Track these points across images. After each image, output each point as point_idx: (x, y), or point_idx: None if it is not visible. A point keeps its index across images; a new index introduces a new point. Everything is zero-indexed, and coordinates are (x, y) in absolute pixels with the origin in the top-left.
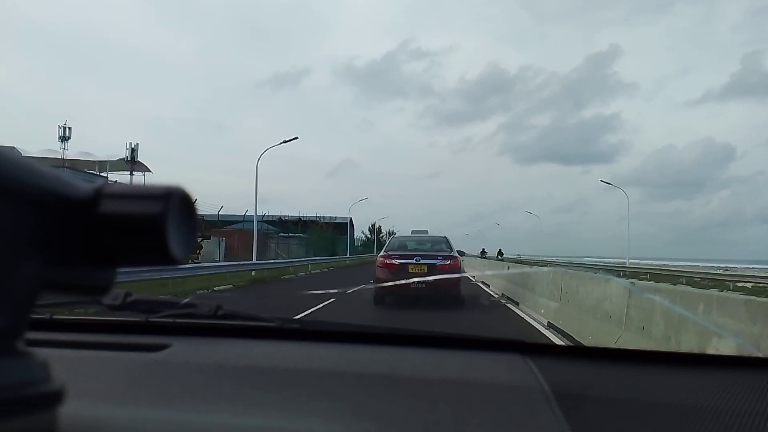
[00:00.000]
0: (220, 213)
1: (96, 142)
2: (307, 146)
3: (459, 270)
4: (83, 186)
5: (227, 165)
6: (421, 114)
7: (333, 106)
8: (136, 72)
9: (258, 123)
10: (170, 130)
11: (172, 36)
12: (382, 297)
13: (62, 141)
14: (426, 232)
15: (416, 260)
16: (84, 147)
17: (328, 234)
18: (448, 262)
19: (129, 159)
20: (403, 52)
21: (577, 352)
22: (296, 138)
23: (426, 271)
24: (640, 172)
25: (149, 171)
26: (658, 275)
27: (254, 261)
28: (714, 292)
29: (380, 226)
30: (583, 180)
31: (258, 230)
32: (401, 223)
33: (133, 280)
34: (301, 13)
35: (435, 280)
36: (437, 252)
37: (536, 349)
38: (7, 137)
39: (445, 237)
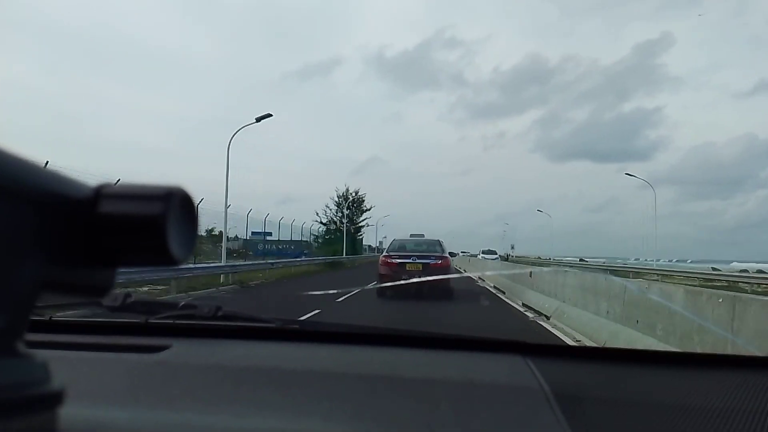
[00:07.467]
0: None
1: (120, 144)
2: (334, 143)
3: (449, 268)
4: (83, 186)
5: (252, 164)
6: (452, 106)
7: (361, 100)
8: (159, 72)
9: (284, 120)
10: (196, 131)
11: (196, 34)
12: (383, 290)
13: None
14: (422, 235)
15: (413, 260)
16: (104, 148)
17: None
18: (440, 262)
19: None
20: (437, 41)
21: (577, 352)
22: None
23: (421, 269)
24: (677, 170)
25: None
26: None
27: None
28: None
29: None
30: (616, 178)
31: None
32: (427, 223)
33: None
34: (330, 3)
35: (429, 276)
36: (431, 253)
37: (537, 349)
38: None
39: (438, 240)
